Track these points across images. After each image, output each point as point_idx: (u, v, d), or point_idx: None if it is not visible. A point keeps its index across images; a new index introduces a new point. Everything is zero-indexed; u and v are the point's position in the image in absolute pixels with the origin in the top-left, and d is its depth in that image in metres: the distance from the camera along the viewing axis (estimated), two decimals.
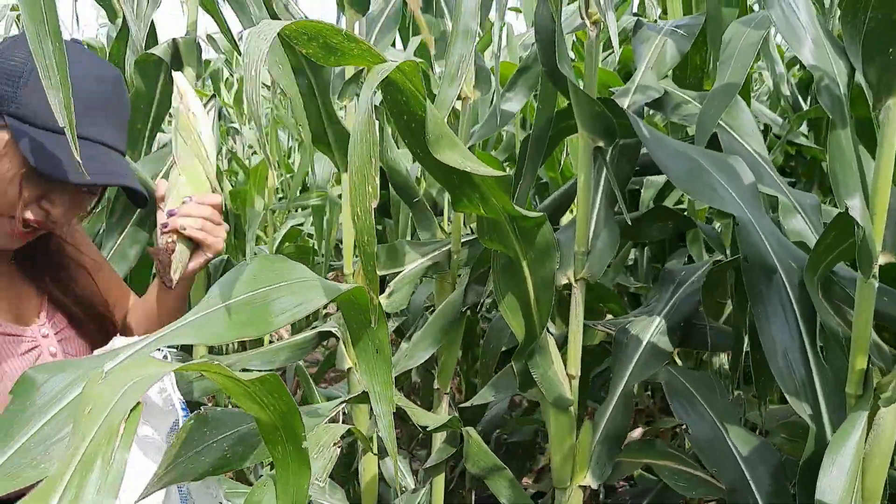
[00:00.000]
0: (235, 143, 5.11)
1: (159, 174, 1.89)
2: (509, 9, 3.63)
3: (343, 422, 1.32)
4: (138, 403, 0.62)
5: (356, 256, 1.69)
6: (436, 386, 1.85)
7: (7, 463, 0.75)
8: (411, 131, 1.07)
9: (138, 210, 1.90)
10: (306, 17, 1.71)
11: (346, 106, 1.62)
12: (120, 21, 1.93)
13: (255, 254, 2.31)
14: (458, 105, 1.72)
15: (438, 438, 1.87)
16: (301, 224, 3.50)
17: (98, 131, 1.12)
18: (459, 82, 1.39)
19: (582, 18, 1.33)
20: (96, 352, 0.99)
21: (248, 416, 1.02)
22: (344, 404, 1.21)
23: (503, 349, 1.94)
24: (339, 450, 1.03)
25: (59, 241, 1.28)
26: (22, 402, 0.80)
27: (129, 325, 1.38)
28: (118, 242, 1.88)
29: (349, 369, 1.75)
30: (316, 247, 3.22)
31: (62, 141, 1.04)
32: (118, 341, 1.17)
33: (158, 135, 1.98)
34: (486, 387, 1.74)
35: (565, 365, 1.45)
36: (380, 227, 2.73)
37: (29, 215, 1.11)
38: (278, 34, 0.89)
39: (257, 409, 0.81)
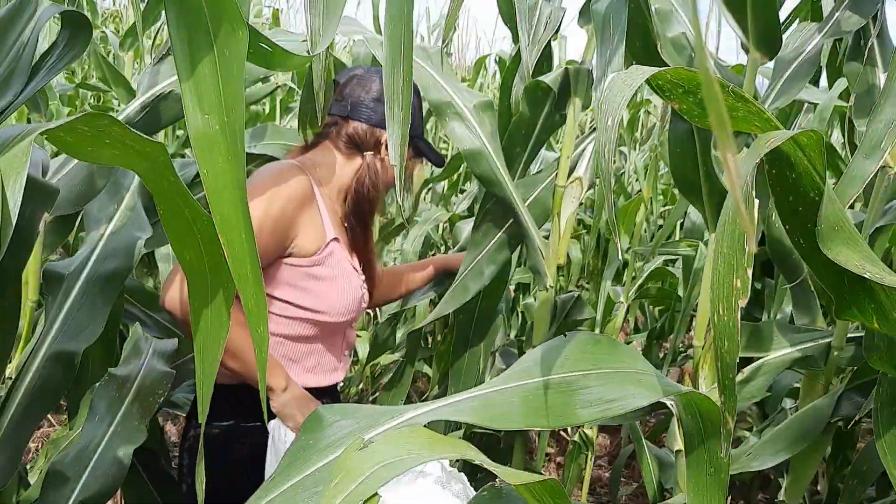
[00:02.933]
0: (624, 163, 4.96)
1: (530, 198, 1.87)
2: None
3: None
4: (375, 495, 0.56)
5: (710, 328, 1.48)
6: (781, 498, 1.56)
7: (280, 497, 0.74)
8: (798, 216, 0.86)
9: (506, 225, 1.88)
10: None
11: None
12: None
13: (608, 293, 2.19)
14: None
15: None
16: (672, 262, 3.29)
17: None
18: (882, 155, 1.11)
19: None
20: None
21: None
22: None
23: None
24: None
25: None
26: (307, 438, 0.79)
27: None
28: (476, 259, 1.88)
29: (678, 451, 1.55)
30: (680, 293, 3.00)
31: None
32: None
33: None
34: None
35: None
36: (757, 286, 2.44)
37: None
38: (647, 81, 0.75)
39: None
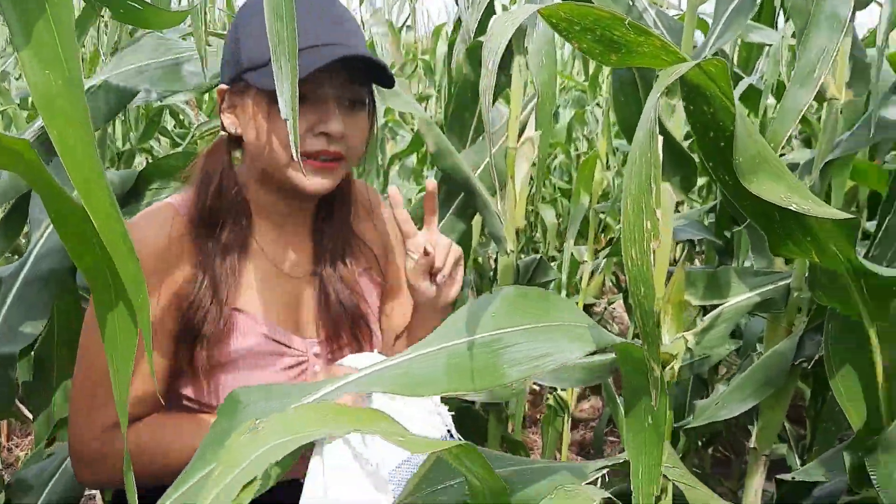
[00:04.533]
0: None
1: (481, 165, 1.83)
2: None
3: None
4: (254, 480, 0.52)
5: None
6: (752, 444, 1.54)
7: (194, 486, 0.71)
8: (719, 151, 0.82)
9: (459, 197, 1.85)
10: None
11: (674, 104, 1.37)
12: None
13: (572, 254, 2.16)
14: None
15: (752, 491, 1.57)
16: None
17: (310, 38, 1.05)
18: (816, 83, 1.08)
19: None
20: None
21: (494, 461, 0.90)
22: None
23: None
24: None
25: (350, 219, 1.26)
26: (224, 423, 0.76)
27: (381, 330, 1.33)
28: None
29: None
30: None
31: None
32: (363, 359, 1.10)
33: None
34: (817, 462, 1.40)
35: None
36: (728, 235, 2.41)
37: (309, 147, 1.10)
38: (544, 17, 0.71)
39: (464, 471, 0.68)
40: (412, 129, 3.52)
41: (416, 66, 3.83)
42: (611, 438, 3.20)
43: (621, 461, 1.02)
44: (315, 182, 1.12)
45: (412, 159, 3.49)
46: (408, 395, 0.75)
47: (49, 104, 0.54)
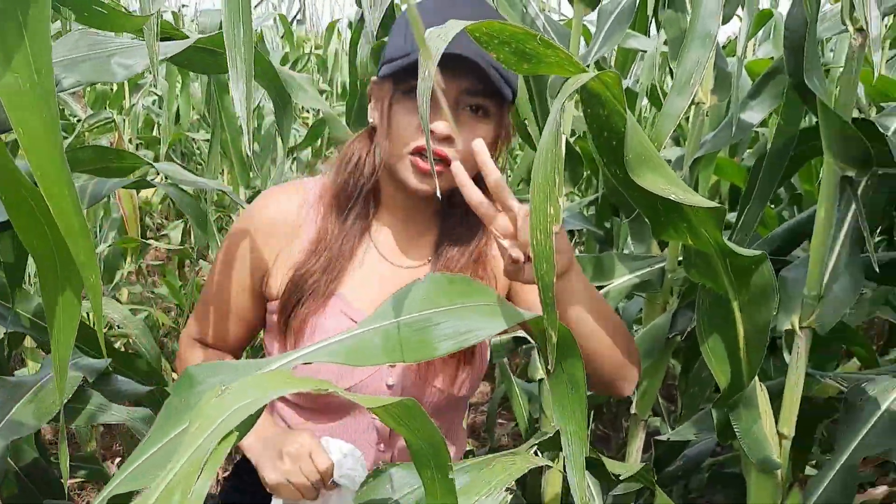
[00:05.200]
0: None
1: None
2: None
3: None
4: (229, 434, 0.60)
5: None
6: (633, 411, 1.71)
7: (151, 457, 0.77)
8: (611, 149, 0.95)
9: None
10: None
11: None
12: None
13: None
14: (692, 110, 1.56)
15: (633, 451, 1.74)
16: None
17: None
18: (691, 91, 1.24)
19: (844, 24, 1.12)
20: None
21: None
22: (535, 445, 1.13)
23: None
24: (510, 495, 0.95)
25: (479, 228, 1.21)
26: (179, 397, 0.81)
27: None
28: None
29: (540, 380, 1.67)
30: None
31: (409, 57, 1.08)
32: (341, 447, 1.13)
33: None
34: (688, 423, 1.58)
35: (777, 422, 1.26)
36: (607, 225, 2.60)
37: (417, 143, 1.10)
38: (470, 32, 0.82)
39: (405, 431, 0.77)
40: (305, 124, 3.56)
41: (308, 60, 3.87)
42: (500, 421, 3.36)
43: (550, 436, 1.14)
44: (415, 181, 1.11)
45: (307, 153, 3.53)
46: (353, 364, 0.83)
47: (17, 103, 0.59)
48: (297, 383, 0.71)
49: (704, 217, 0.99)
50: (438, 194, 0.87)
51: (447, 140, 1.09)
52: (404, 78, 1.10)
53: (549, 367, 0.88)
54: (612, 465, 1.21)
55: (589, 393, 0.96)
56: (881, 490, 2.44)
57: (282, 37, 4.04)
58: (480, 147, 0.98)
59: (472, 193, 0.99)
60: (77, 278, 0.78)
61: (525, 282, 1.02)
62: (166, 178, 1.78)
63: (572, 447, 0.89)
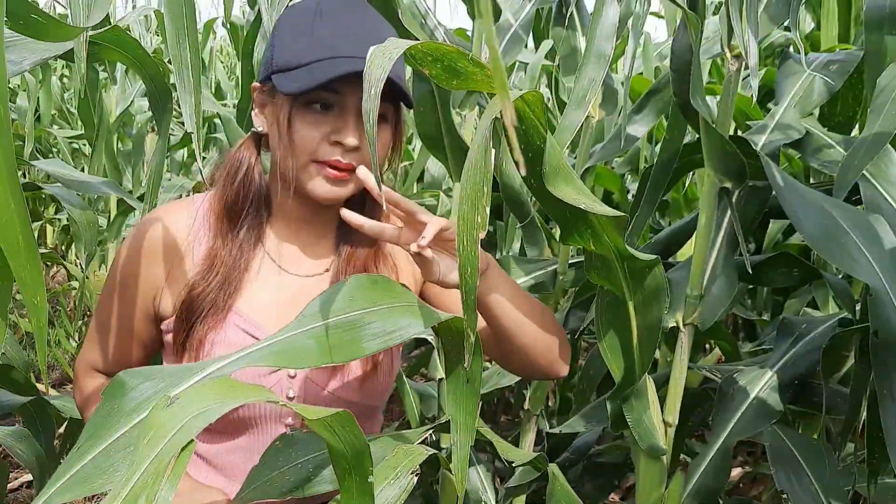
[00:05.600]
0: None
1: None
2: (651, 13, 3.53)
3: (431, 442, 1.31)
4: (190, 442, 0.61)
5: None
6: (526, 407, 1.81)
7: (88, 465, 0.76)
8: (528, 161, 1.03)
9: None
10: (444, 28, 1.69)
11: (464, 115, 1.59)
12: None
13: None
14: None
15: (526, 444, 1.83)
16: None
17: (336, 49, 1.08)
18: (586, 107, 1.34)
19: (722, 49, 1.25)
20: None
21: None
22: (431, 430, 1.18)
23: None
24: (415, 478, 1.00)
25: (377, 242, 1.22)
26: (111, 404, 0.81)
27: None
28: None
29: (440, 380, 1.73)
30: None
31: (308, 69, 1.08)
32: None
33: None
34: (578, 416, 1.69)
35: (662, 411, 1.38)
36: (490, 229, 2.71)
37: (322, 155, 1.11)
38: (407, 52, 0.87)
39: (329, 436, 0.80)
40: (180, 124, 3.46)
41: None
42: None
43: (443, 422, 1.20)
44: (326, 189, 1.13)
45: (182, 153, 3.44)
46: (289, 366, 0.86)
47: None
48: (245, 392, 0.73)
49: (607, 224, 1.08)
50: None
51: (354, 150, 1.13)
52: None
53: (467, 366, 0.93)
54: (506, 451, 1.28)
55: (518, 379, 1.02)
56: (735, 473, 2.69)
57: (155, 33, 3.91)
58: (365, 175, 1.06)
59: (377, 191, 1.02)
60: (6, 295, 0.75)
61: (444, 285, 1.07)
62: (49, 177, 1.71)
63: (459, 436, 0.95)
